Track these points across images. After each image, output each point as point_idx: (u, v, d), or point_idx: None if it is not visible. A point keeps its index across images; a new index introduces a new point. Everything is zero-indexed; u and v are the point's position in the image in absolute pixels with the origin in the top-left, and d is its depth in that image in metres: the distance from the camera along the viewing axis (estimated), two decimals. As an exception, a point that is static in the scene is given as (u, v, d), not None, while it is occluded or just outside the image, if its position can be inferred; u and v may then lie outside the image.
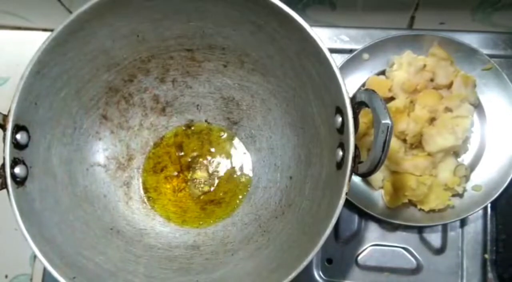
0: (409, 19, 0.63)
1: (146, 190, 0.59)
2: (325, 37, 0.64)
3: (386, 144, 0.38)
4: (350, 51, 0.62)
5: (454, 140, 0.56)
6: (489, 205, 0.59)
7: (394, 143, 0.58)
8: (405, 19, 0.63)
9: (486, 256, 0.59)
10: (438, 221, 0.57)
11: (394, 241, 0.60)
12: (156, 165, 0.60)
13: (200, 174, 0.59)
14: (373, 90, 0.40)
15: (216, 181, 0.59)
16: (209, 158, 0.60)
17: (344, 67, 0.61)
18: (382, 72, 0.62)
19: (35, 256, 0.53)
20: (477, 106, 0.60)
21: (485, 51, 0.60)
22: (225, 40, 0.53)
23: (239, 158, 0.59)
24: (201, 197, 0.58)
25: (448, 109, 0.57)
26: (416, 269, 0.60)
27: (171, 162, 0.60)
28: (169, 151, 0.60)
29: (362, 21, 0.64)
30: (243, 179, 0.59)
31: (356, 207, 0.58)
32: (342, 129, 0.43)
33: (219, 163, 0.59)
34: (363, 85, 0.61)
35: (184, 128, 0.60)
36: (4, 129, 0.45)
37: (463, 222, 0.60)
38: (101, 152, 0.57)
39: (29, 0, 0.64)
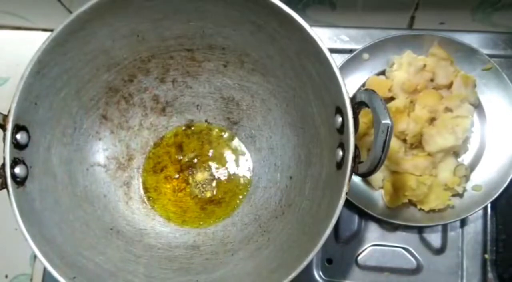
0: (409, 19, 0.63)
1: (146, 190, 0.59)
2: (325, 37, 0.64)
3: (386, 144, 0.38)
4: (350, 51, 0.62)
5: (454, 140, 0.56)
6: (489, 205, 0.59)
7: (394, 143, 0.58)
8: (405, 19, 0.63)
9: (486, 256, 0.59)
10: (438, 221, 0.57)
11: (394, 241, 0.60)
12: (156, 165, 0.60)
13: (200, 174, 0.59)
14: (373, 90, 0.40)
15: (216, 181, 0.59)
16: (209, 158, 0.60)
17: (344, 67, 0.61)
18: (382, 72, 0.62)
19: (35, 256, 0.53)
20: (477, 106, 0.60)
21: (485, 51, 0.60)
22: (225, 40, 0.53)
23: (239, 158, 0.59)
24: (201, 197, 0.58)
25: (448, 109, 0.57)
26: (416, 269, 0.60)
27: (171, 162, 0.60)
28: (169, 151, 0.60)
29: (362, 21, 0.64)
30: (243, 179, 0.59)
31: (356, 207, 0.58)
32: (342, 129, 0.43)
33: (219, 163, 0.59)
34: (363, 85, 0.61)
35: (184, 128, 0.60)
36: (4, 129, 0.45)
37: (463, 222, 0.60)
38: (101, 152, 0.57)
39: (29, 0, 0.64)
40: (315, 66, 0.46)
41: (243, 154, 0.59)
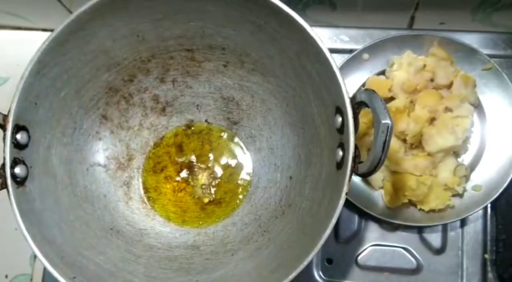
0: (409, 19, 0.63)
1: (146, 190, 0.59)
2: (325, 37, 0.64)
3: (386, 144, 0.38)
4: (350, 51, 0.62)
5: (454, 140, 0.56)
6: (489, 205, 0.59)
7: (394, 143, 0.58)
8: (405, 19, 0.63)
9: (486, 256, 0.59)
10: (438, 221, 0.57)
11: (394, 241, 0.60)
12: (156, 165, 0.60)
13: (200, 174, 0.59)
14: (373, 90, 0.40)
15: (216, 181, 0.59)
16: (209, 158, 0.60)
17: (344, 67, 0.61)
18: (382, 72, 0.62)
19: (35, 256, 0.53)
20: (477, 106, 0.60)
21: (485, 51, 0.60)
22: (225, 40, 0.53)
23: (239, 158, 0.59)
24: (201, 197, 0.58)
25: (448, 109, 0.57)
26: (416, 269, 0.60)
27: (171, 162, 0.60)
28: (169, 151, 0.60)
29: (362, 21, 0.64)
30: (243, 179, 0.59)
31: (356, 207, 0.58)
32: (342, 129, 0.43)
33: (219, 163, 0.59)
34: (363, 85, 0.61)
35: (184, 128, 0.60)
36: (4, 129, 0.45)
37: (463, 222, 0.60)
38: (101, 152, 0.57)
39: (29, 0, 0.64)
40: (315, 66, 0.46)
41: (243, 154, 0.59)
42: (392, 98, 0.60)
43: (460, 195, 0.58)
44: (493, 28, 0.62)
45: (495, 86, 0.59)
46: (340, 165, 0.43)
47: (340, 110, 0.43)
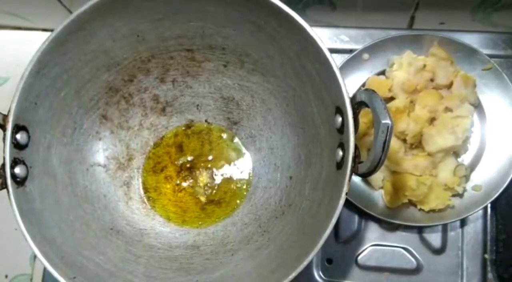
0: (409, 19, 0.63)
1: (146, 190, 0.59)
2: (325, 37, 0.64)
3: (386, 144, 0.38)
4: (350, 51, 0.62)
5: (454, 140, 0.56)
6: (489, 205, 0.59)
7: (394, 143, 0.58)
8: (405, 19, 0.63)
9: (486, 256, 0.59)
10: (438, 221, 0.57)
11: (394, 241, 0.60)
12: (156, 165, 0.60)
13: (200, 174, 0.59)
14: (373, 90, 0.40)
15: (216, 181, 0.59)
16: (209, 158, 0.60)
17: (344, 67, 0.61)
18: (382, 72, 0.62)
19: (35, 256, 0.53)
20: (477, 106, 0.60)
21: (485, 51, 0.60)
22: (225, 40, 0.53)
23: (239, 158, 0.59)
24: (201, 197, 0.58)
25: (448, 109, 0.57)
26: (416, 269, 0.60)
27: (171, 162, 0.60)
28: (169, 151, 0.60)
29: (362, 21, 0.64)
30: (243, 179, 0.59)
31: (356, 207, 0.58)
32: (342, 129, 0.43)
33: (219, 163, 0.59)
34: (363, 85, 0.61)
35: (184, 128, 0.60)
36: (4, 129, 0.45)
37: (463, 222, 0.60)
38: (101, 152, 0.57)
39: (29, 0, 0.64)
40: (315, 66, 0.46)
41: (243, 154, 0.59)
42: (392, 98, 0.60)
43: (460, 195, 0.58)
44: (493, 28, 0.62)
45: (495, 86, 0.59)
46: (340, 165, 0.43)
47: (340, 110, 0.43)
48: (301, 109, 0.52)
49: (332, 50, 0.47)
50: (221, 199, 0.58)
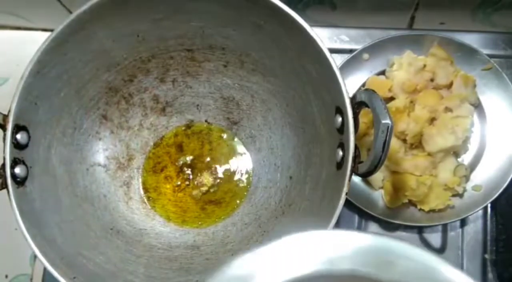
0: (409, 19, 0.63)
1: (146, 190, 0.59)
2: (325, 37, 0.64)
3: (386, 144, 0.38)
4: (350, 51, 0.62)
5: (454, 140, 0.56)
6: (489, 205, 0.59)
7: (394, 143, 0.57)
8: (405, 19, 0.63)
9: (486, 256, 0.58)
10: (438, 221, 0.57)
11: (394, 241, 0.60)
12: (156, 165, 0.60)
13: (200, 174, 0.59)
14: (373, 90, 0.40)
15: (216, 181, 0.59)
16: (209, 158, 0.60)
17: (344, 67, 0.61)
18: (382, 72, 0.62)
19: (35, 256, 0.53)
20: (477, 106, 0.60)
21: (485, 51, 0.60)
22: (225, 40, 0.53)
23: (239, 158, 0.59)
24: (201, 197, 0.58)
25: (448, 109, 0.57)
26: (416, 269, 0.59)
27: (171, 162, 0.60)
28: (169, 151, 0.60)
29: (362, 21, 0.64)
30: (243, 179, 0.59)
31: (356, 207, 0.58)
32: (342, 129, 0.43)
33: (219, 163, 0.59)
34: (363, 85, 0.61)
35: (184, 128, 0.60)
36: (4, 129, 0.45)
37: (463, 222, 0.60)
38: (101, 152, 0.57)
39: (29, 0, 0.64)
40: (315, 66, 0.46)
41: (243, 154, 0.59)
42: (392, 98, 0.59)
43: (460, 195, 0.58)
44: (493, 28, 0.62)
45: (495, 86, 0.59)
46: (340, 165, 0.43)
47: (340, 110, 0.43)
48: (301, 109, 0.52)
49: (332, 50, 0.46)
50: (221, 199, 0.58)
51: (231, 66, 0.56)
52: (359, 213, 0.61)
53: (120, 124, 0.58)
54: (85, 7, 0.46)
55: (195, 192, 0.58)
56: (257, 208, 0.56)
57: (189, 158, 0.60)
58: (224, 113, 0.59)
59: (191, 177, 0.59)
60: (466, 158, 0.60)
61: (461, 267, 0.59)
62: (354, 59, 0.61)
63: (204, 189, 0.58)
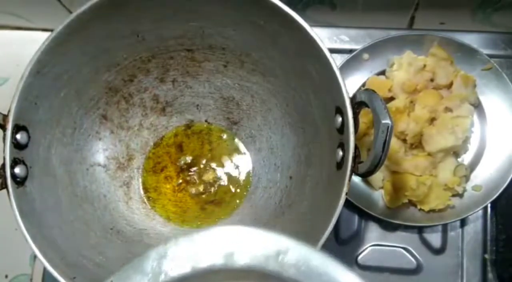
0: (409, 19, 0.63)
1: (146, 190, 0.59)
2: (325, 37, 0.64)
3: (386, 144, 0.38)
4: (350, 51, 0.62)
5: (454, 140, 0.56)
6: (489, 205, 0.59)
7: (394, 143, 0.57)
8: (405, 19, 0.63)
9: (486, 256, 0.58)
10: (438, 221, 0.57)
11: (394, 241, 0.60)
12: (156, 165, 0.60)
13: (200, 174, 0.59)
14: (373, 90, 0.40)
15: (216, 181, 0.59)
16: (209, 158, 0.60)
17: (344, 67, 0.61)
18: (382, 72, 0.62)
19: (35, 256, 0.53)
20: (477, 106, 0.60)
21: (485, 51, 0.60)
22: (225, 40, 0.53)
23: (239, 158, 0.59)
24: (201, 197, 0.58)
25: (448, 109, 0.57)
26: (416, 269, 0.59)
27: (171, 162, 0.60)
28: (169, 151, 0.60)
29: (362, 21, 0.64)
30: (243, 179, 0.59)
31: (356, 207, 0.58)
32: (342, 129, 0.43)
33: (219, 163, 0.59)
34: (363, 85, 0.61)
35: (184, 128, 0.60)
36: (4, 129, 0.45)
37: (463, 222, 0.60)
38: (101, 152, 0.57)
39: (29, 0, 0.64)
40: (315, 66, 0.46)
41: (243, 154, 0.59)
42: (392, 98, 0.60)
43: (460, 195, 0.58)
44: (493, 28, 0.62)
45: (495, 86, 0.59)
46: (340, 165, 0.43)
47: (340, 110, 0.43)
48: (301, 109, 0.52)
49: (332, 50, 0.46)
50: (221, 199, 0.58)
51: (231, 66, 0.56)
52: (359, 213, 0.61)
53: (120, 124, 0.58)
54: (85, 7, 0.46)
55: (195, 192, 0.59)
56: (257, 208, 0.56)
57: (189, 158, 0.60)
58: (224, 113, 0.59)
59: (191, 177, 0.59)
60: (466, 158, 0.60)
61: (461, 267, 0.59)
62: (354, 59, 0.61)
63: (204, 189, 0.58)
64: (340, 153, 0.44)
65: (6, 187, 0.44)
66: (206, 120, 0.60)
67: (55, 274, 0.43)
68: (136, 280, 0.23)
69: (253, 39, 0.50)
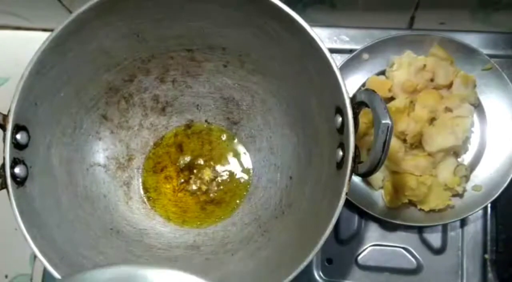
0: (409, 19, 0.63)
1: (146, 190, 0.59)
2: (325, 37, 0.64)
3: (386, 144, 0.38)
4: (350, 51, 0.62)
5: (454, 140, 0.56)
6: (489, 205, 0.59)
7: (394, 143, 0.57)
8: (405, 19, 0.63)
9: (486, 256, 0.59)
10: (438, 221, 0.57)
11: (394, 241, 0.60)
12: (156, 165, 0.60)
13: (200, 174, 0.59)
14: (373, 90, 0.40)
15: (216, 181, 0.59)
16: (209, 158, 0.60)
17: (344, 67, 0.61)
18: (382, 72, 0.62)
19: (35, 256, 0.53)
20: (477, 106, 0.60)
21: (485, 51, 0.60)
22: (225, 40, 0.53)
23: (239, 158, 0.59)
24: (201, 197, 0.58)
25: (448, 109, 0.57)
26: (416, 269, 0.59)
27: (171, 162, 0.60)
28: (169, 151, 0.60)
29: (362, 21, 0.64)
30: (243, 179, 0.59)
31: (356, 207, 0.58)
32: (342, 129, 0.43)
33: (219, 163, 0.59)
34: (363, 85, 0.61)
35: (184, 128, 0.60)
36: (4, 129, 0.45)
37: (463, 222, 0.60)
38: (101, 152, 0.57)
39: (29, 0, 0.64)
40: (315, 66, 0.46)
41: (243, 154, 0.59)
42: (392, 98, 0.60)
43: (460, 195, 0.58)
44: (493, 28, 0.62)
45: (495, 86, 0.59)
46: (340, 165, 0.43)
47: (340, 110, 0.43)
48: (301, 109, 0.52)
49: (332, 50, 0.46)
50: (221, 199, 0.58)
51: (231, 66, 0.56)
52: (359, 213, 0.61)
53: (120, 124, 0.58)
54: (85, 7, 0.46)
55: (195, 192, 0.59)
56: (257, 208, 0.56)
57: (189, 158, 0.60)
58: (224, 113, 0.59)
59: (191, 177, 0.59)
60: (466, 158, 0.60)
61: (461, 267, 0.59)
62: (354, 59, 0.61)
63: (204, 189, 0.58)
64: (340, 153, 0.44)
65: (6, 187, 0.44)
66: (206, 121, 0.60)
67: (55, 274, 0.43)
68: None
69: (253, 39, 0.50)
